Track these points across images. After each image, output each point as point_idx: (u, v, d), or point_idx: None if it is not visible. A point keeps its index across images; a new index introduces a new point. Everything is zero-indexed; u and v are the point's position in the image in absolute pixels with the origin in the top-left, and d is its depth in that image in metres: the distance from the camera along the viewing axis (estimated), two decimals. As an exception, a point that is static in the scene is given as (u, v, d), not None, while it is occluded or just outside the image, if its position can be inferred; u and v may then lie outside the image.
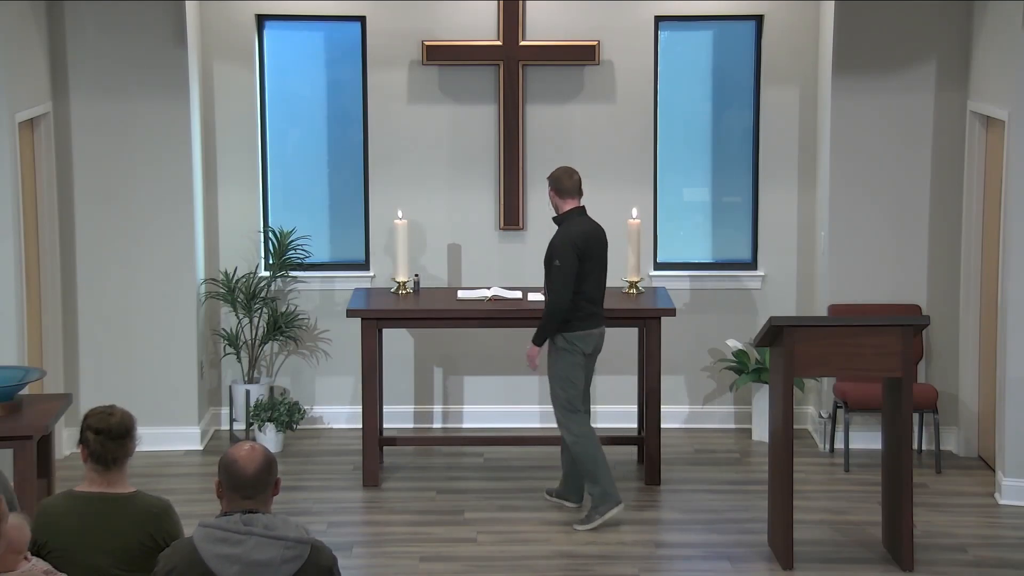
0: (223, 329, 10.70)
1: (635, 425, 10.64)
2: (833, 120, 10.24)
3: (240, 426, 10.60)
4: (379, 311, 9.64)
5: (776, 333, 8.24)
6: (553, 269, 8.87)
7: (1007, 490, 9.34)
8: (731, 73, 10.79)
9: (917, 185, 10.31)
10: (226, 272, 10.63)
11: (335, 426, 10.90)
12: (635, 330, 10.50)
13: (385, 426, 10.57)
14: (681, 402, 10.91)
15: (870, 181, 10.30)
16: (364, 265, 10.88)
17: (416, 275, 10.24)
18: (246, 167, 10.70)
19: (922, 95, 10.22)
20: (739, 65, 10.77)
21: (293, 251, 10.64)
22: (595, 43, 10.52)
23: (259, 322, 10.62)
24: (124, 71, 10.13)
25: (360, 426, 10.33)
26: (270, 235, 10.70)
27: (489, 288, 10.04)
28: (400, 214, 10.38)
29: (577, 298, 8.91)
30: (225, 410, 10.83)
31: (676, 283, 10.80)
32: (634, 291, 10.00)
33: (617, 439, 10.05)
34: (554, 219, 9.06)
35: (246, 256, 10.76)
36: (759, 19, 10.67)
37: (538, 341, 8.99)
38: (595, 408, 10.86)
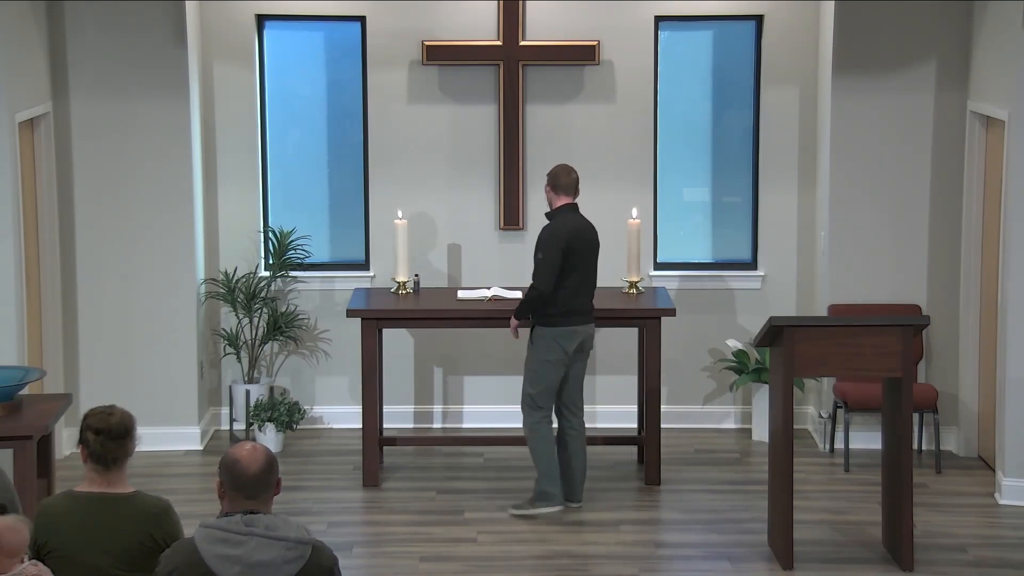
0: (223, 329, 10.70)
1: (635, 425, 10.64)
2: (833, 120, 10.24)
3: (240, 426, 10.60)
4: (379, 311, 9.64)
5: (776, 333, 8.24)
6: (536, 261, 8.97)
7: (1007, 490, 9.34)
8: (731, 73, 10.79)
9: (917, 185, 10.31)
10: (226, 272, 10.63)
11: (335, 426, 10.90)
12: (635, 330, 10.50)
13: (385, 426, 10.57)
14: (681, 402, 10.91)
15: (870, 181, 10.30)
16: (364, 265, 10.88)
17: (416, 275, 10.24)
18: (246, 167, 10.70)
19: (922, 95, 10.22)
20: (739, 65, 10.77)
21: (293, 251, 10.64)
22: (595, 43, 10.52)
23: (259, 322, 10.62)
24: (124, 71, 10.13)
25: (360, 426, 10.32)
26: (270, 235, 10.70)
27: (489, 288, 10.04)
28: (400, 214, 10.38)
29: (560, 293, 8.98)
30: (225, 410, 10.83)
31: (676, 283, 10.80)
32: (634, 291, 10.00)
33: (617, 439, 10.06)
34: (546, 214, 9.11)
35: (246, 256, 10.76)
36: (759, 19, 10.67)
37: (518, 315, 9.14)
38: (595, 408, 10.87)
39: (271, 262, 10.68)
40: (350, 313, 9.61)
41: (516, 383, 10.70)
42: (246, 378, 10.63)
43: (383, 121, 10.68)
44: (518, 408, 9.92)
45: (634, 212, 10.40)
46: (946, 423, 10.35)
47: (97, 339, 10.32)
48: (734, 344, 10.66)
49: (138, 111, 10.18)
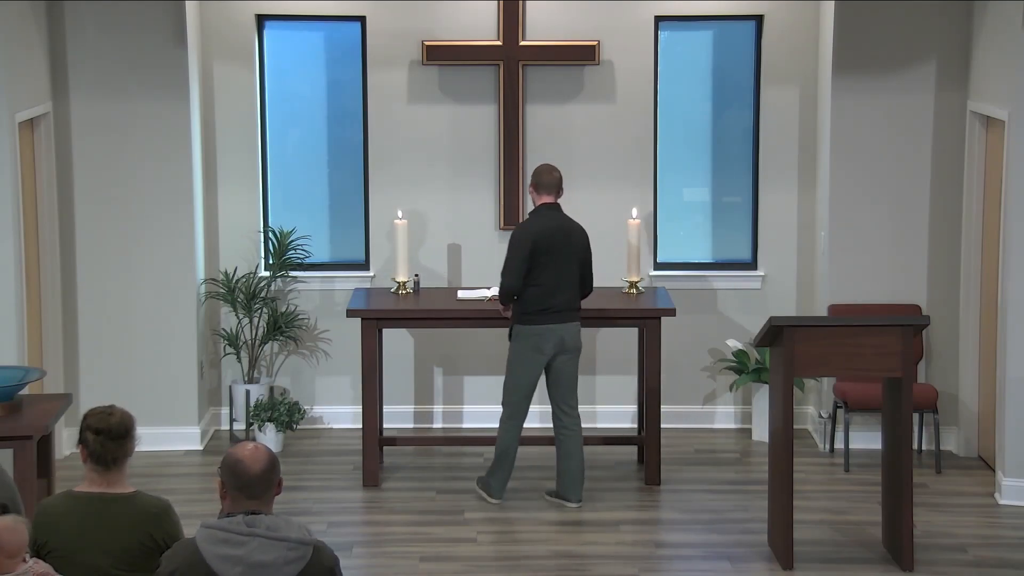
0: (223, 329, 10.70)
1: (635, 425, 10.64)
2: (833, 120, 10.24)
3: (240, 426, 10.60)
4: (379, 311, 9.64)
5: (776, 333, 8.24)
6: (505, 258, 9.12)
7: (1007, 490, 9.34)
8: (731, 73, 10.79)
9: (917, 185, 10.31)
10: (226, 272, 10.63)
11: (335, 426, 10.90)
12: (635, 330, 10.50)
13: (385, 426, 10.57)
14: (681, 402, 10.91)
15: (870, 181, 10.30)
16: (364, 265, 10.88)
17: (416, 275, 10.24)
18: (246, 167, 10.70)
19: (922, 95, 10.22)
20: (739, 65, 10.77)
21: (293, 251, 10.64)
22: (595, 43, 10.52)
23: (259, 322, 10.62)
24: (124, 71, 10.13)
25: (360, 426, 10.32)
26: (270, 235, 10.70)
27: (489, 288, 10.04)
28: (400, 214, 10.38)
29: (533, 290, 9.08)
30: (225, 410, 10.83)
31: (676, 283, 10.80)
32: (634, 291, 10.00)
33: (617, 439, 10.06)
34: (530, 213, 9.17)
35: (246, 256, 10.76)
36: (759, 19, 10.67)
37: (500, 301, 9.29)
38: (595, 408, 10.87)
39: (271, 262, 10.68)
40: (350, 313, 9.61)
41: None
42: (246, 378, 10.63)
43: (383, 121, 10.68)
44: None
45: (634, 212, 10.40)
46: (946, 423, 10.35)
47: (97, 339, 10.32)
48: (734, 344, 10.66)
49: (138, 111, 10.18)
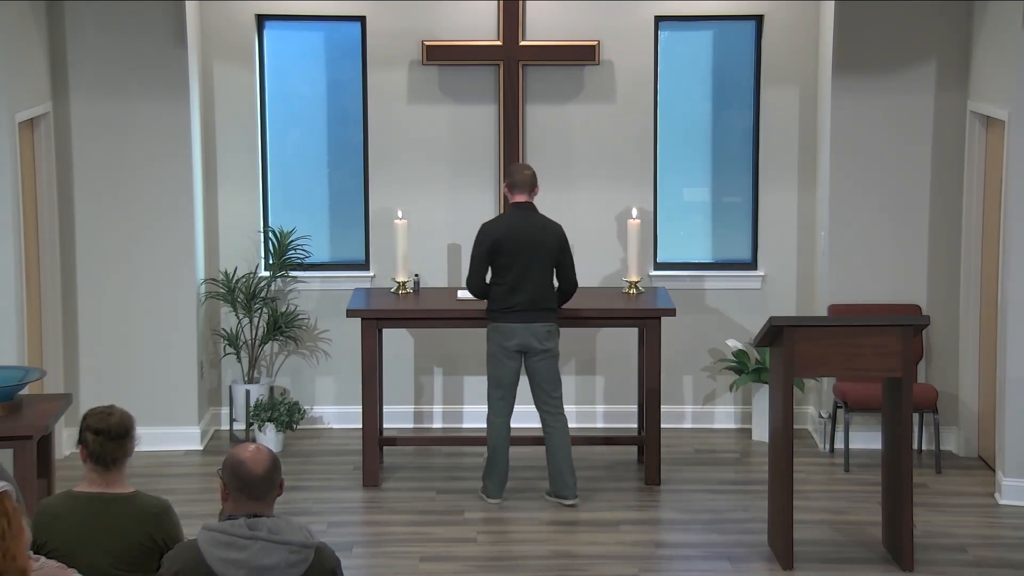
0: (223, 329, 10.70)
1: (635, 425, 10.64)
2: (833, 120, 10.24)
3: (240, 426, 10.60)
4: (379, 311, 9.64)
5: (776, 333, 8.24)
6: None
7: (1007, 490, 9.34)
8: (731, 73, 10.80)
9: (917, 185, 10.31)
10: (226, 272, 10.63)
11: (335, 426, 10.90)
12: (635, 330, 10.50)
13: (385, 426, 10.57)
14: (681, 402, 10.91)
15: (870, 181, 10.30)
16: (364, 265, 10.88)
17: (416, 275, 10.24)
18: (246, 167, 10.71)
19: (922, 95, 10.22)
20: (739, 65, 10.77)
21: (293, 251, 10.64)
22: (595, 43, 10.53)
23: (259, 322, 10.62)
24: (124, 71, 10.13)
25: (360, 426, 10.33)
26: (270, 235, 10.70)
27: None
28: (400, 214, 10.38)
29: (497, 289, 9.19)
30: (225, 410, 10.83)
31: (676, 283, 10.80)
32: (634, 291, 10.00)
33: (617, 439, 10.06)
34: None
35: (246, 256, 10.76)
36: (759, 19, 10.67)
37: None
38: (595, 408, 10.88)
39: (271, 262, 10.68)
40: (350, 313, 9.61)
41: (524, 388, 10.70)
42: (246, 378, 10.63)
43: (383, 121, 10.68)
44: (517, 408, 9.94)
45: (634, 212, 10.40)
46: (946, 423, 10.35)
47: (97, 339, 10.32)
48: (734, 344, 10.66)
49: (138, 111, 10.18)
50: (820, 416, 10.54)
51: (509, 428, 9.36)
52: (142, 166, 10.24)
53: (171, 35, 10.08)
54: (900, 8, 10.12)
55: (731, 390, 10.77)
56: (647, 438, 9.64)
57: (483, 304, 9.65)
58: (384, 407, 10.44)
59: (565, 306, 9.57)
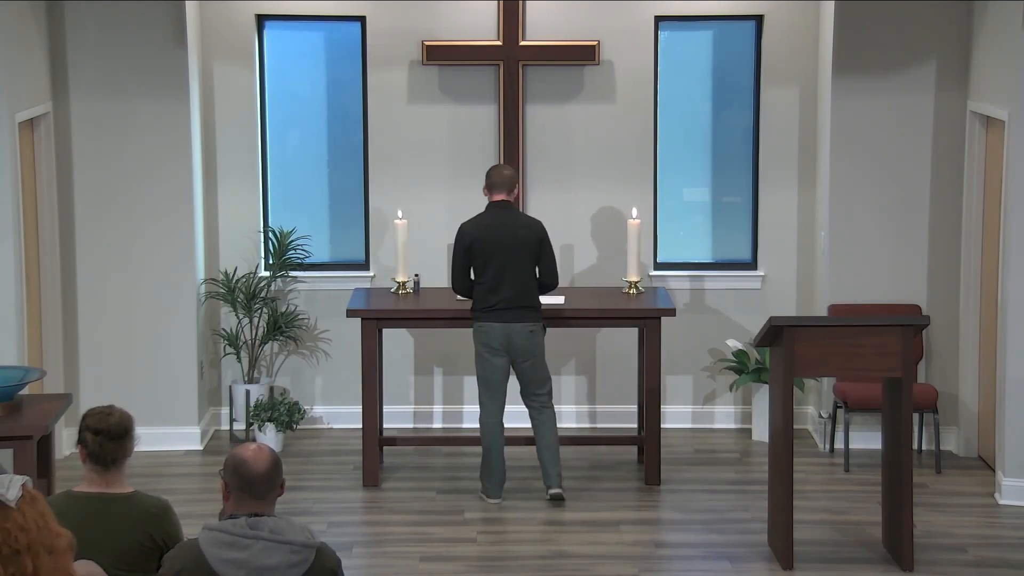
0: (223, 329, 10.70)
1: (635, 425, 10.64)
2: (833, 120, 10.24)
3: (240, 426, 10.60)
4: (379, 311, 9.64)
5: (776, 333, 8.23)
6: None
7: (1007, 490, 9.34)
8: (731, 73, 10.79)
9: (917, 185, 10.31)
10: (226, 272, 10.63)
11: (335, 426, 10.90)
12: (635, 330, 10.50)
13: (385, 426, 10.57)
14: (681, 402, 10.91)
15: (870, 181, 10.30)
16: (364, 265, 10.88)
17: (416, 275, 10.24)
18: (246, 167, 10.70)
19: (922, 95, 10.22)
20: (739, 65, 10.77)
21: (293, 251, 10.64)
22: (595, 43, 10.52)
23: (259, 322, 10.62)
24: (124, 71, 10.13)
25: (360, 426, 10.32)
26: (270, 235, 10.70)
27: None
28: (400, 214, 10.38)
29: (478, 288, 9.25)
30: (225, 410, 10.83)
31: (676, 283, 10.80)
32: (634, 291, 10.00)
33: (617, 439, 10.06)
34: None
35: (246, 256, 10.76)
36: (759, 19, 10.67)
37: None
38: (595, 408, 10.88)
39: (271, 262, 10.68)
40: (350, 313, 9.61)
41: (515, 383, 10.70)
42: (246, 378, 10.63)
43: (383, 121, 10.68)
44: (517, 408, 9.95)
45: (634, 212, 10.40)
46: (946, 423, 10.35)
47: (97, 339, 10.32)
48: (734, 344, 10.66)
49: (138, 111, 10.18)
50: (820, 416, 10.54)
51: (502, 427, 9.36)
52: (142, 166, 10.23)
53: (171, 35, 10.08)
54: (900, 8, 10.12)
55: (731, 390, 10.77)
56: (647, 438, 9.64)
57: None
58: (384, 407, 10.44)
59: (564, 304, 9.59)
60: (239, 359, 10.62)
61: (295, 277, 10.75)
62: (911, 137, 10.26)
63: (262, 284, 10.61)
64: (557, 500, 9.30)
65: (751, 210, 10.85)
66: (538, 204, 10.65)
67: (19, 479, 4.15)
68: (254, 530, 4.63)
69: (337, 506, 9.34)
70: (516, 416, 10.03)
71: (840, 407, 10.15)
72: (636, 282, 10.03)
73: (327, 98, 10.79)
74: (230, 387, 10.63)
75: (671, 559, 8.54)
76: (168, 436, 10.35)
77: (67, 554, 4.13)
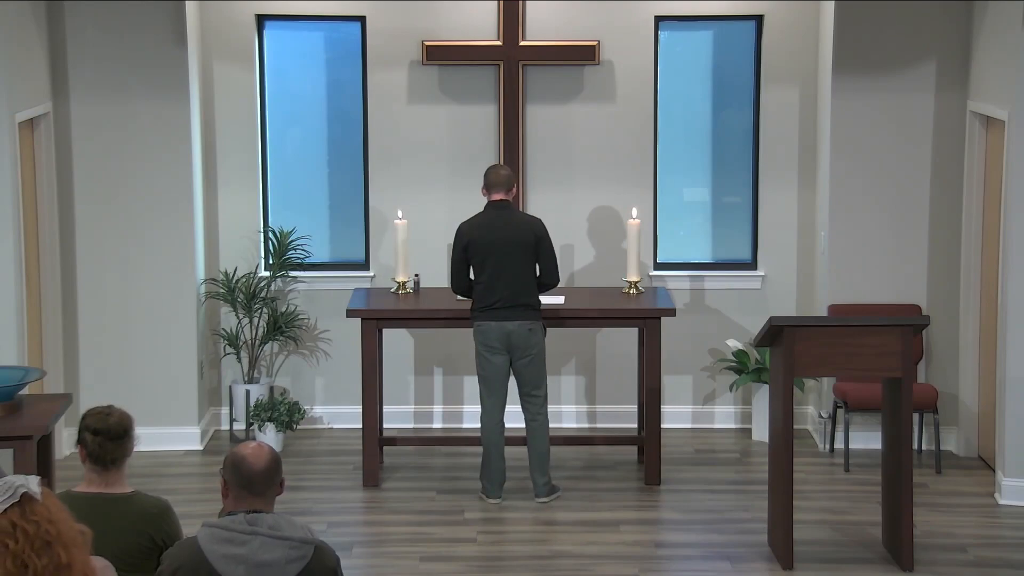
0: (223, 329, 10.70)
1: (635, 425, 10.64)
2: (833, 120, 10.24)
3: (240, 426, 10.60)
4: (379, 311, 9.64)
5: (776, 333, 8.23)
6: None
7: (1007, 490, 9.34)
8: (731, 73, 10.79)
9: (917, 185, 10.31)
10: (226, 272, 10.63)
11: (335, 426, 10.90)
12: (635, 330, 10.50)
13: (385, 426, 10.57)
14: (681, 402, 10.91)
15: (870, 181, 10.30)
16: (364, 265, 10.88)
17: (416, 275, 10.24)
18: (246, 167, 10.70)
19: (922, 95, 10.22)
20: (739, 65, 10.77)
21: (293, 251, 10.64)
22: (595, 43, 10.52)
23: (259, 322, 10.62)
24: (124, 71, 10.13)
25: (360, 426, 10.32)
26: (270, 235, 10.70)
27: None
28: (400, 214, 10.38)
29: (477, 288, 9.27)
30: (225, 410, 10.83)
31: (676, 283, 10.80)
32: (634, 291, 10.00)
33: (617, 439, 10.06)
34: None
35: (246, 256, 10.76)
36: (759, 19, 10.67)
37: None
38: (595, 408, 10.88)
39: (271, 262, 10.68)
40: (350, 313, 9.61)
41: (515, 383, 10.70)
42: (246, 378, 10.63)
43: (383, 121, 10.68)
44: (517, 408, 9.95)
45: (634, 212, 10.40)
46: (946, 423, 10.35)
47: (97, 339, 10.32)
48: (734, 344, 10.66)
49: (138, 111, 10.18)
50: (820, 416, 10.54)
51: (503, 426, 9.36)
52: (142, 166, 10.23)
53: (171, 35, 10.08)
54: (900, 8, 10.12)
55: (731, 390, 10.77)
56: (647, 438, 9.64)
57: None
58: (384, 407, 10.44)
59: (564, 304, 9.59)
60: (239, 359, 10.62)
61: (295, 277, 10.75)
62: (911, 137, 10.26)
63: (262, 284, 10.61)
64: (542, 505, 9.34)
65: (751, 210, 10.85)
66: (538, 204, 10.65)
67: (34, 478, 4.17)
68: (252, 526, 4.64)
69: (337, 506, 9.34)
70: (518, 416, 10.02)
71: (840, 407, 10.15)
72: (636, 282, 10.03)
73: (327, 98, 10.80)
74: (230, 387, 10.63)
75: (671, 559, 8.54)
76: (168, 436, 10.35)
77: (88, 547, 4.16)
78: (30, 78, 9.59)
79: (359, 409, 10.52)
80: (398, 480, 9.81)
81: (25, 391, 8.02)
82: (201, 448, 10.48)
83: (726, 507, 9.31)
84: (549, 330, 9.81)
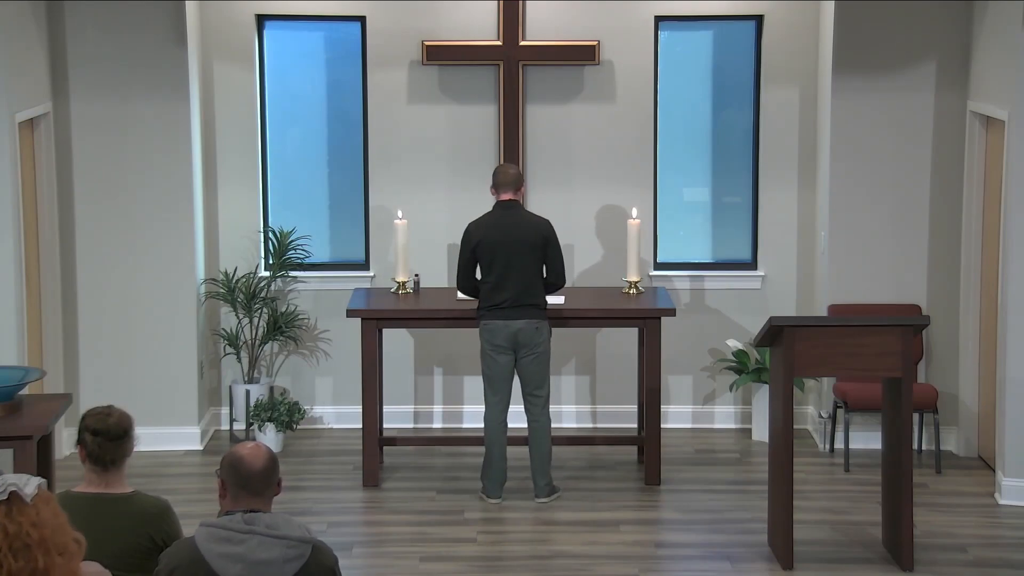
0: (223, 329, 10.70)
1: (635, 425, 10.64)
2: (833, 120, 10.24)
3: (240, 426, 10.60)
4: (379, 311, 9.65)
5: (776, 333, 8.23)
6: None
7: (1007, 490, 9.34)
8: (731, 73, 10.79)
9: (917, 185, 10.31)
10: (226, 272, 10.63)
11: (335, 426, 10.90)
12: (635, 330, 10.50)
13: (385, 426, 10.57)
14: (681, 402, 10.91)
15: (870, 181, 10.30)
16: (364, 265, 10.88)
17: (416, 275, 10.24)
18: (246, 167, 10.71)
19: (922, 95, 10.22)
20: (739, 65, 10.77)
21: (293, 251, 10.64)
22: (595, 43, 10.52)
23: (259, 322, 10.62)
24: (124, 71, 10.13)
25: (360, 426, 10.32)
26: (270, 235, 10.70)
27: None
28: (400, 214, 10.38)
29: (484, 287, 9.27)
30: (225, 410, 10.83)
31: (676, 283, 10.80)
32: (634, 291, 10.00)
33: (617, 439, 10.06)
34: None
35: (246, 256, 10.76)
36: (759, 19, 10.67)
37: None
38: (595, 408, 10.88)
39: (271, 262, 10.68)
40: (350, 313, 9.61)
41: (515, 383, 10.69)
42: (246, 378, 10.63)
43: (383, 121, 10.68)
44: (517, 408, 9.96)
45: (634, 212, 10.40)
46: (946, 423, 10.35)
47: (97, 339, 10.32)
48: (734, 344, 10.66)
49: (138, 111, 10.18)
50: (820, 416, 10.54)
51: (505, 426, 9.36)
52: (142, 166, 10.23)
53: (171, 35, 10.08)
54: (900, 8, 10.12)
55: (731, 390, 10.77)
56: (647, 438, 9.64)
57: (483, 304, 9.67)
58: (384, 407, 10.44)
59: (564, 304, 9.60)
60: (239, 359, 10.62)
61: (295, 277, 10.75)
62: (911, 137, 10.26)
63: (262, 284, 10.61)
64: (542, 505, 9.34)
65: (751, 210, 10.85)
66: (538, 204, 10.65)
67: (36, 479, 4.18)
68: (250, 525, 4.64)
69: (337, 506, 9.34)
70: (520, 416, 10.03)
71: (840, 407, 10.15)
72: (636, 282, 10.03)
73: (327, 98, 10.80)
74: (230, 387, 10.63)
75: (671, 559, 8.54)
76: (168, 436, 10.35)
77: (78, 557, 4.16)
78: (30, 78, 9.59)
79: (359, 409, 10.52)
80: (398, 480, 9.81)
81: (25, 391, 8.02)
82: (201, 448, 10.48)
83: (726, 507, 9.31)
84: (549, 330, 9.81)
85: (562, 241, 10.63)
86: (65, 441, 10.12)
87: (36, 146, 9.82)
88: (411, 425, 10.92)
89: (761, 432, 10.50)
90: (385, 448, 10.13)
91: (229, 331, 10.61)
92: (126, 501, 5.37)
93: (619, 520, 9.08)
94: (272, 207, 10.85)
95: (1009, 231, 9.22)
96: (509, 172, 9.31)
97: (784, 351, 8.12)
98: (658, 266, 10.88)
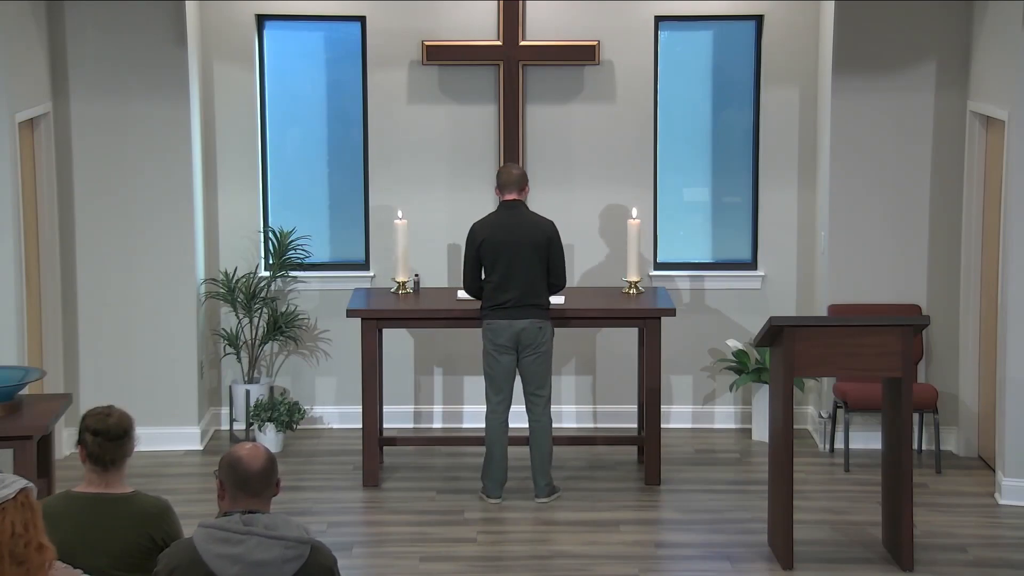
0: (223, 329, 10.70)
1: (635, 425, 10.64)
2: (833, 120, 10.24)
3: (240, 426, 10.60)
4: (379, 311, 9.65)
5: (776, 333, 8.23)
6: None
7: (1007, 490, 9.34)
8: (731, 73, 10.79)
9: (917, 185, 10.31)
10: (226, 272, 10.63)
11: (335, 426, 10.90)
12: (635, 330, 10.50)
13: (385, 426, 10.57)
14: (681, 402, 10.91)
15: (870, 181, 10.30)
16: (364, 265, 10.88)
17: (416, 275, 10.24)
18: (246, 167, 10.71)
19: (922, 95, 10.22)
20: (739, 65, 10.77)
21: (293, 251, 10.65)
22: (595, 43, 10.52)
23: (259, 322, 10.62)
24: (124, 71, 10.13)
25: (360, 426, 10.32)
26: (270, 235, 10.70)
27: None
28: (400, 214, 10.38)
29: (488, 287, 9.28)
30: (225, 410, 10.83)
31: (676, 283, 10.80)
32: (634, 291, 10.00)
33: (617, 439, 10.06)
34: None
35: (246, 256, 10.76)
36: (759, 19, 10.67)
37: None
38: (595, 408, 10.88)
39: (271, 262, 10.68)
40: (350, 313, 9.61)
41: (515, 383, 10.70)
42: (246, 378, 10.63)
43: (383, 121, 10.68)
44: (517, 408, 9.95)
45: (634, 212, 10.40)
46: (946, 423, 10.35)
47: (97, 339, 10.33)
48: (734, 344, 10.66)
49: (138, 111, 10.18)
50: (820, 416, 10.54)
51: (506, 426, 9.36)
52: (142, 166, 10.24)
53: (171, 35, 10.08)
54: (900, 8, 10.12)
55: (731, 390, 10.77)
56: (647, 438, 9.64)
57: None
58: (384, 407, 10.44)
59: (564, 304, 9.60)
60: (239, 359, 10.62)
61: (295, 277, 10.75)
62: (911, 137, 10.27)
63: (262, 284, 10.61)
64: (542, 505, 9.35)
65: (751, 210, 10.85)
66: (538, 204, 10.64)
67: (21, 483, 4.15)
68: (248, 526, 4.64)
69: (337, 506, 9.34)
70: (521, 416, 10.03)
71: (840, 407, 10.15)
72: (636, 282, 10.03)
73: (327, 98, 10.80)
74: (230, 387, 10.63)
75: (671, 559, 8.54)
76: (168, 436, 10.35)
77: (41, 570, 4.13)
78: (30, 78, 9.59)
79: (359, 409, 10.52)
80: (398, 480, 9.81)
81: (25, 391, 8.03)
82: (201, 448, 10.48)
83: (726, 507, 9.31)
84: (549, 330, 9.81)
85: (563, 241, 10.64)
86: (65, 441, 10.12)
87: (36, 146, 9.82)
88: (411, 425, 10.92)
89: (761, 432, 10.50)
90: (385, 448, 10.14)
91: (229, 331, 10.61)
92: (126, 501, 5.37)
93: (619, 520, 9.08)
94: (272, 207, 10.85)
95: (1009, 231, 9.22)
96: (513, 172, 9.31)
97: (784, 351, 8.12)
98: (658, 266, 10.88)
